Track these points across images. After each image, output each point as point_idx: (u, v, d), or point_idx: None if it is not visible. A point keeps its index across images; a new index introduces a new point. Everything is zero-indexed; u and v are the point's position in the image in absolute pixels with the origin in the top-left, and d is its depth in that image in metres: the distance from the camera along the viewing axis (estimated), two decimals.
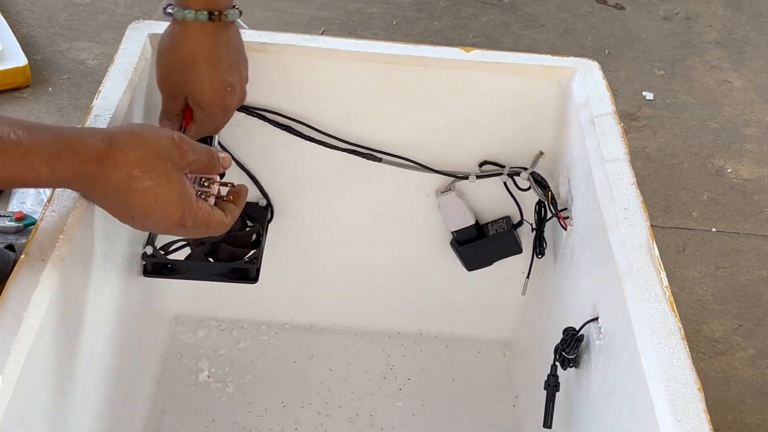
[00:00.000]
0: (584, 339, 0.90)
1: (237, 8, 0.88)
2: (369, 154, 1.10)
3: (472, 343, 1.30)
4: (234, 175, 1.13)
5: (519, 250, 1.15)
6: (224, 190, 0.83)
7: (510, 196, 1.12)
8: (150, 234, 1.07)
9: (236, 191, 0.83)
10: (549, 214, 1.07)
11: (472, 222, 1.14)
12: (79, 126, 0.83)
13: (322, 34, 2.02)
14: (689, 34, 2.19)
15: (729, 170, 1.77)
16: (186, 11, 0.85)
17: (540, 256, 1.10)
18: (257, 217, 1.14)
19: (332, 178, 1.15)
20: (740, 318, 1.45)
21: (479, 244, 1.15)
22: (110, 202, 0.73)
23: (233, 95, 0.90)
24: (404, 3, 2.19)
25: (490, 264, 1.17)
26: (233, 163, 1.11)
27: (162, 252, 1.06)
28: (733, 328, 1.43)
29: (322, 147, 1.09)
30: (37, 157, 0.66)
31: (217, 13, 0.86)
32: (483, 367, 1.27)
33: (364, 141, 1.10)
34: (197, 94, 0.88)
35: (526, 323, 1.23)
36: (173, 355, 1.24)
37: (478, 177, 1.11)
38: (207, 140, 1.03)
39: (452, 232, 1.16)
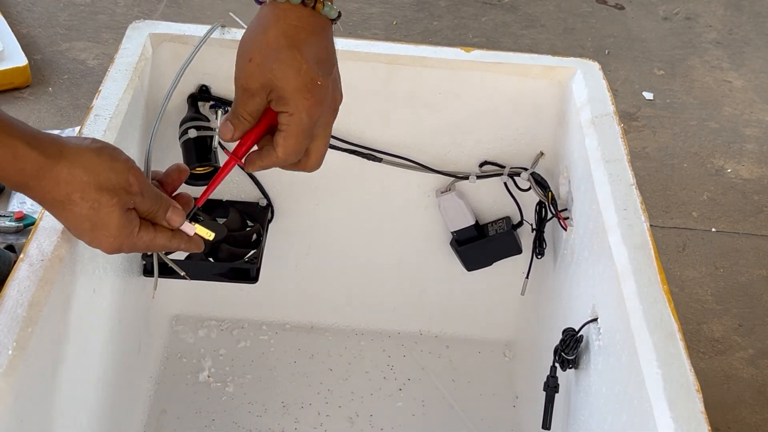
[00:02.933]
0: (584, 339, 0.90)
1: (336, 8, 0.76)
2: (369, 154, 1.10)
3: (472, 344, 1.30)
4: (234, 175, 1.13)
5: (519, 251, 1.15)
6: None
7: (510, 197, 1.12)
8: None
9: (189, 238, 0.77)
10: (549, 215, 1.07)
11: (472, 222, 1.14)
12: (79, 126, 0.82)
13: None
14: (689, 34, 2.19)
15: (729, 170, 1.77)
16: None
17: (540, 257, 1.11)
18: (257, 217, 1.14)
19: (332, 178, 1.15)
20: (740, 318, 1.45)
21: (479, 244, 1.15)
22: (46, 209, 0.70)
23: (324, 92, 0.75)
24: (404, 3, 2.19)
25: (490, 264, 1.17)
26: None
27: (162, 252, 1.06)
28: (733, 328, 1.43)
29: None
30: None
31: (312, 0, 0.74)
32: (483, 368, 1.27)
33: (364, 141, 1.10)
34: (281, 81, 0.73)
35: (526, 324, 1.23)
36: (173, 355, 1.24)
37: (478, 177, 1.12)
38: (208, 141, 1.04)
39: (452, 232, 1.16)
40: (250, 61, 0.74)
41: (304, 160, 0.80)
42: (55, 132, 1.64)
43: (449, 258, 1.19)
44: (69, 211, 0.67)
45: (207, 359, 1.24)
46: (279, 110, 0.74)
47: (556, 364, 0.93)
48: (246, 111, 0.75)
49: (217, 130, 1.04)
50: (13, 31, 1.85)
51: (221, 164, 1.00)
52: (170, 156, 1.05)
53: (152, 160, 0.80)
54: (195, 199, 0.81)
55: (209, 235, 0.79)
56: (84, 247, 0.83)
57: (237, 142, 0.78)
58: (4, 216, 1.42)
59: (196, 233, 0.77)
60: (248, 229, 1.12)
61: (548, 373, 0.94)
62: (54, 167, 0.65)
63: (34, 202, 1.46)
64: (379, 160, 1.10)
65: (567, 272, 1.01)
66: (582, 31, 2.17)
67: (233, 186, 1.15)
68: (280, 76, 0.73)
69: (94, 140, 0.69)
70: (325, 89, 0.75)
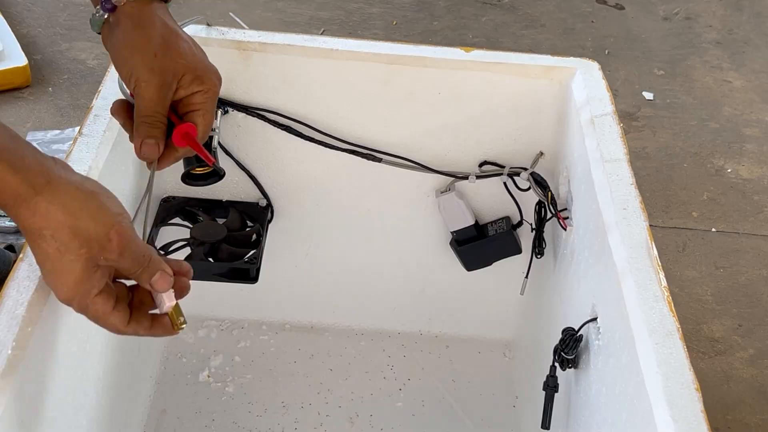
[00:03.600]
0: (583, 339, 0.90)
1: None
2: (369, 154, 1.10)
3: (472, 344, 1.30)
4: (234, 175, 1.13)
5: (519, 251, 1.15)
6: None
7: (510, 197, 1.12)
8: (150, 234, 1.07)
9: (160, 323, 0.71)
10: (549, 215, 1.07)
11: (471, 222, 1.14)
12: (79, 126, 0.81)
13: (322, 34, 2.02)
14: (689, 34, 2.19)
15: (729, 170, 1.77)
16: None
17: (539, 257, 1.11)
18: (257, 217, 1.14)
19: (332, 178, 1.15)
20: (740, 318, 1.45)
21: (479, 244, 1.15)
22: (22, 233, 0.65)
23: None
24: (404, 3, 2.19)
25: (490, 264, 1.17)
26: (233, 163, 1.12)
27: (162, 252, 1.06)
28: (733, 328, 1.43)
29: (322, 147, 1.09)
30: None
31: None
32: (483, 368, 1.27)
33: (364, 141, 1.10)
34: (193, 62, 0.76)
35: (526, 323, 1.23)
36: (173, 355, 1.24)
37: (478, 177, 1.12)
38: (207, 141, 1.04)
39: (452, 232, 1.16)
40: (155, 56, 0.74)
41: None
42: (55, 132, 1.65)
43: (449, 258, 1.19)
44: (37, 245, 0.63)
45: (207, 359, 1.24)
46: (193, 91, 0.76)
47: (556, 364, 0.93)
48: (163, 105, 0.75)
49: (216, 132, 1.04)
50: (13, 31, 1.85)
51: (221, 164, 1.00)
52: None
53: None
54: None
55: (178, 323, 0.70)
56: None
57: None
58: (4, 216, 1.42)
59: (169, 310, 0.70)
60: (248, 229, 1.12)
61: (548, 373, 0.94)
62: (33, 198, 0.61)
63: None
64: (379, 160, 1.10)
65: (567, 272, 1.01)
66: (582, 31, 2.17)
67: (233, 186, 1.15)
68: (192, 59, 0.76)
69: (91, 181, 0.66)
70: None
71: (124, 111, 0.77)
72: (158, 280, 0.68)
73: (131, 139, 0.76)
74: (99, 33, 0.78)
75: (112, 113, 0.77)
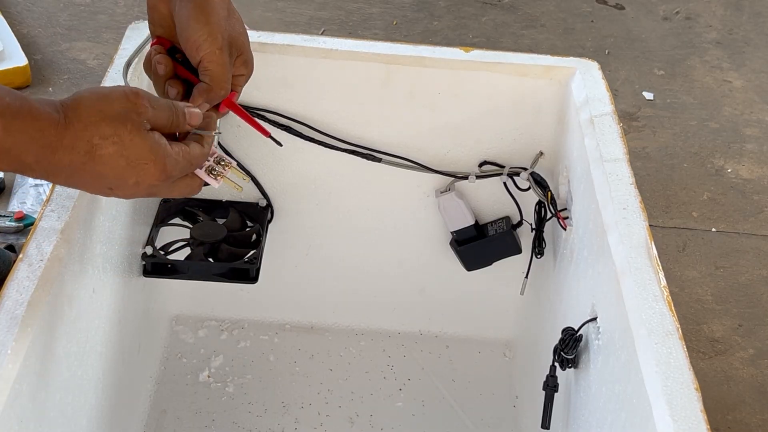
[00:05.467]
0: (583, 339, 0.90)
1: None
2: (369, 154, 1.10)
3: (472, 343, 1.30)
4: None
5: (518, 251, 1.15)
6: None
7: (510, 197, 1.12)
8: (150, 234, 1.07)
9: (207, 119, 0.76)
10: (548, 215, 1.07)
11: (471, 222, 1.14)
12: None
13: (322, 34, 2.02)
14: (689, 34, 2.19)
15: (729, 170, 1.77)
16: None
17: (539, 257, 1.11)
18: (257, 217, 1.14)
19: (332, 178, 1.15)
20: (740, 318, 1.45)
21: (479, 244, 1.15)
22: (80, 178, 0.67)
23: None
24: (404, 3, 2.19)
25: (490, 264, 1.17)
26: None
27: (162, 252, 1.06)
28: (733, 328, 1.43)
29: (322, 147, 1.09)
30: None
31: None
32: (483, 367, 1.27)
33: (364, 141, 1.10)
34: (248, 45, 0.81)
35: (526, 323, 1.23)
36: (173, 355, 1.24)
37: (477, 177, 1.12)
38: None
39: (452, 232, 1.16)
40: (224, 30, 0.77)
41: None
42: None
43: (449, 258, 1.19)
44: (99, 157, 0.65)
45: (207, 359, 1.24)
46: (239, 73, 0.81)
47: (556, 364, 0.93)
48: (229, 83, 0.79)
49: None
50: (13, 31, 1.85)
51: None
52: None
53: None
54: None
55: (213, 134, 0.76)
56: (83, 248, 0.83)
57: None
58: (4, 216, 1.42)
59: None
60: (248, 229, 1.12)
61: (548, 373, 0.94)
62: (67, 121, 0.64)
63: (34, 202, 1.47)
64: (379, 160, 1.10)
65: (566, 272, 1.01)
66: (582, 31, 2.17)
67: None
68: (247, 41, 0.81)
69: (78, 90, 0.68)
70: None
71: (170, 68, 0.78)
72: (191, 114, 0.72)
73: (159, 92, 0.79)
74: None
75: (153, 62, 0.78)
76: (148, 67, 0.80)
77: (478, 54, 1.06)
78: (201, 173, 0.76)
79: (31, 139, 0.62)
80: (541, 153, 1.10)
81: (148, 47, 0.83)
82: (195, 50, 0.76)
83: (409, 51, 1.05)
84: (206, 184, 0.76)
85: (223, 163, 0.78)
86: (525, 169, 1.10)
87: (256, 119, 0.82)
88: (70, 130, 0.64)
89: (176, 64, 0.79)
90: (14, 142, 0.62)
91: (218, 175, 0.77)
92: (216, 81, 0.77)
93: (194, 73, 0.78)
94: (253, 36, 1.04)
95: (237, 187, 0.81)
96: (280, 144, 0.90)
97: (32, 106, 0.63)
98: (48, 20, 1.99)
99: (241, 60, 0.80)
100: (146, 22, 1.04)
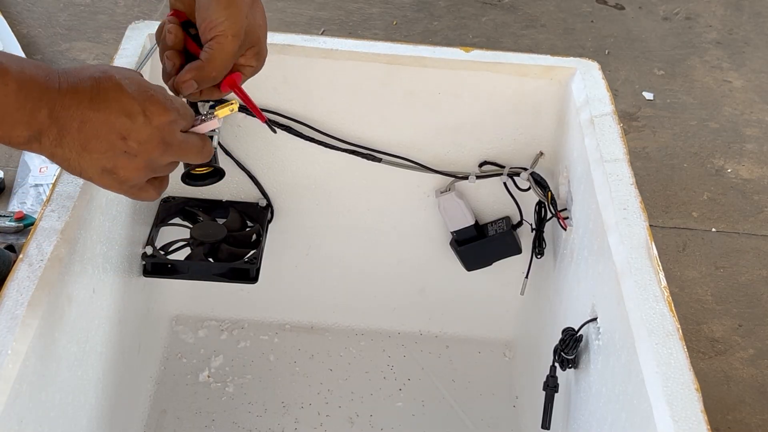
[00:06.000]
0: (583, 339, 0.90)
1: None
2: (369, 154, 1.10)
3: (472, 343, 1.30)
4: (234, 175, 1.13)
5: (519, 251, 1.15)
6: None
7: (510, 197, 1.12)
8: (150, 234, 1.07)
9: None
10: (549, 215, 1.07)
11: (471, 222, 1.14)
12: None
13: (322, 34, 2.02)
14: (689, 34, 2.19)
15: (729, 170, 1.77)
16: None
17: (539, 257, 1.11)
18: (257, 217, 1.14)
19: (332, 178, 1.15)
20: (740, 318, 1.45)
21: (479, 244, 1.15)
22: (92, 126, 0.66)
23: None
24: (404, 3, 2.19)
25: (490, 264, 1.17)
26: (233, 163, 1.12)
27: (162, 252, 1.06)
28: (733, 328, 1.43)
29: (322, 147, 1.09)
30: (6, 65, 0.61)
31: None
32: (483, 367, 1.27)
33: (364, 141, 1.10)
34: (264, 39, 0.81)
35: (526, 323, 1.23)
36: (173, 355, 1.24)
37: (478, 177, 1.12)
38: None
39: (452, 232, 1.16)
40: (246, 17, 0.77)
41: None
42: None
43: (449, 258, 1.19)
44: (103, 94, 0.65)
45: (207, 359, 1.24)
46: (250, 64, 0.81)
47: (556, 364, 0.93)
48: (228, 69, 0.79)
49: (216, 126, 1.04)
50: (13, 31, 1.86)
51: (220, 165, 0.99)
52: None
53: None
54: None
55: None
56: (84, 248, 0.83)
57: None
58: (4, 216, 1.42)
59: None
60: (248, 229, 1.12)
61: (548, 373, 0.94)
62: (67, 71, 0.65)
63: (34, 202, 1.47)
64: (379, 160, 1.10)
65: (566, 272, 1.01)
66: (582, 31, 2.17)
67: (233, 186, 1.15)
68: (264, 33, 0.81)
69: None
70: None
71: (179, 39, 0.78)
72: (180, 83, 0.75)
73: (166, 73, 0.78)
74: None
75: (164, 30, 0.78)
76: (160, 34, 0.80)
77: (478, 54, 1.06)
78: (199, 126, 0.75)
79: (41, 91, 0.63)
80: (541, 153, 1.10)
81: (155, 55, 0.83)
82: (209, 30, 0.75)
83: (409, 51, 1.05)
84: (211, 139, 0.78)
85: (211, 110, 0.78)
86: (525, 169, 1.09)
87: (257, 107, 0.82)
88: (71, 72, 0.65)
89: (188, 37, 0.78)
90: (27, 96, 0.62)
91: (213, 118, 0.77)
92: (212, 62, 0.76)
93: None
94: None
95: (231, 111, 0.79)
96: (274, 131, 0.89)
97: (30, 62, 0.64)
98: (48, 20, 1.99)
99: (253, 51, 0.80)
100: (146, 23, 1.05)
